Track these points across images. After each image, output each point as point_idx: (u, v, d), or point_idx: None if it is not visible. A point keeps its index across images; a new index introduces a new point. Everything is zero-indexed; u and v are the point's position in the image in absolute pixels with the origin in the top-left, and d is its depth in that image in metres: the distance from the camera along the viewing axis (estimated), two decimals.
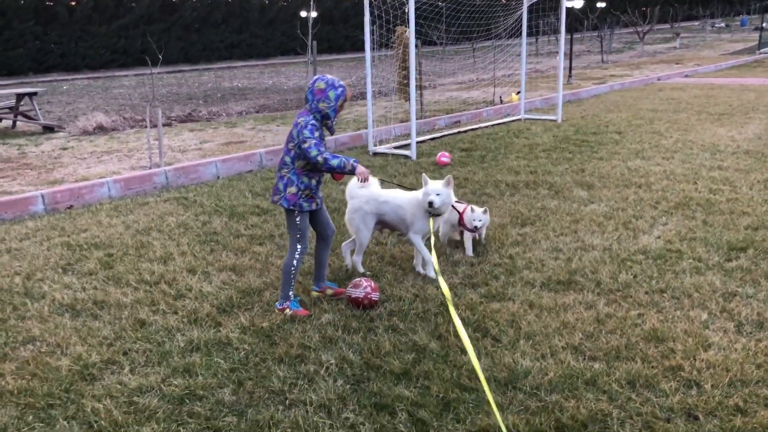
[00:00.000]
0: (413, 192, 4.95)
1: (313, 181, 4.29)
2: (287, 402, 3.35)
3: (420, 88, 12.19)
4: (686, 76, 20.77)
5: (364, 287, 4.37)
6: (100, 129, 11.82)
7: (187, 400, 3.37)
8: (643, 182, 7.44)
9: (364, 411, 3.24)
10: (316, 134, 4.13)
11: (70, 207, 7.15)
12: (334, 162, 4.11)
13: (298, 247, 4.34)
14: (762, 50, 28.28)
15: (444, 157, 8.79)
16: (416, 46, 9.85)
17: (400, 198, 4.93)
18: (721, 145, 9.30)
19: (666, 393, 3.32)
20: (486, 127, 11.73)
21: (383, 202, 4.91)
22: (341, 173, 4.28)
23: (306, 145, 4.10)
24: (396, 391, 3.38)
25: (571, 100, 15.09)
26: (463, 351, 3.78)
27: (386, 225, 5.04)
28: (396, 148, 9.82)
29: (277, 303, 4.41)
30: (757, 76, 19.90)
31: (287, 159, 4.25)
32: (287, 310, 4.33)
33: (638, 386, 3.39)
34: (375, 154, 9.61)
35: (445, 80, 19.43)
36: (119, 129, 11.96)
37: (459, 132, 11.27)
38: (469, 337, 3.95)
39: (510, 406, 3.24)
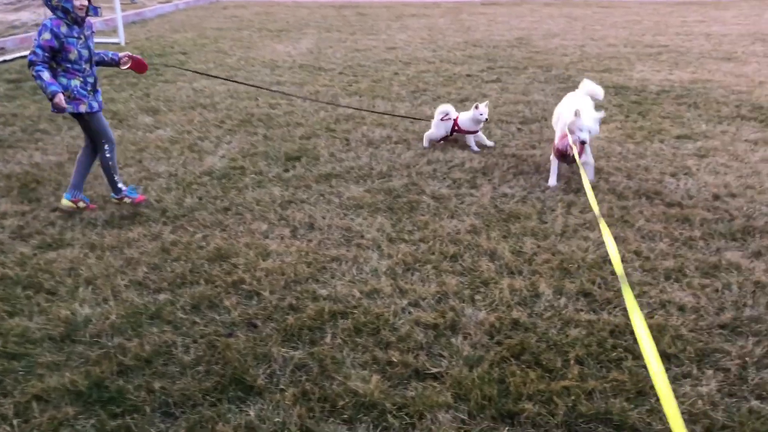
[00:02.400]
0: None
1: (74, 82, 4.23)
2: None
3: None
4: None
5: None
6: None
7: None
8: (208, 102, 7.49)
9: None
10: (46, 35, 4.07)
11: None
12: (38, 81, 4.10)
13: (105, 146, 4.53)
14: None
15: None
16: None
17: None
18: (279, 61, 9.88)
19: (228, 309, 3.42)
20: None
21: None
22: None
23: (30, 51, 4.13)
24: None
25: (136, 21, 14.29)
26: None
27: None
28: None
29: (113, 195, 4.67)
30: None
31: None
32: (126, 199, 4.67)
33: (202, 308, 3.43)
34: None
35: None
36: None
37: (4, 61, 9.76)
38: (18, 297, 3.51)
39: (67, 362, 2.98)
